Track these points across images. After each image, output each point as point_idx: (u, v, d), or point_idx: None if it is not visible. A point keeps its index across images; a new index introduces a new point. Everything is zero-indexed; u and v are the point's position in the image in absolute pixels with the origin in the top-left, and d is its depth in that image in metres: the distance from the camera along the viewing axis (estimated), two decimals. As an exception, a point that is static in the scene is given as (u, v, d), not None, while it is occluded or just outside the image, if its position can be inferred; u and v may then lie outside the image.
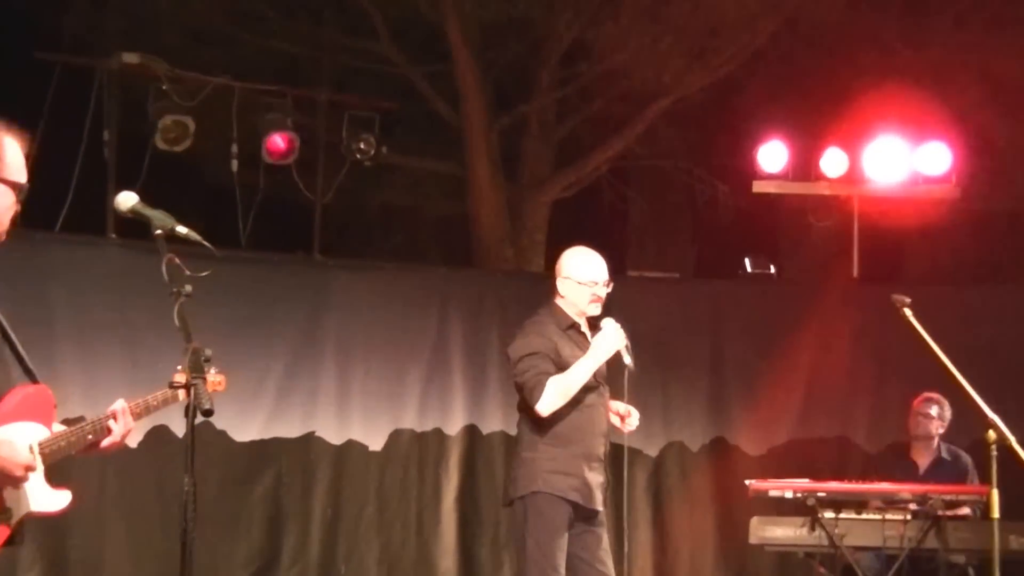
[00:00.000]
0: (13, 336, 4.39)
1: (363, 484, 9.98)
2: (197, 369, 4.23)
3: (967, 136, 11.52)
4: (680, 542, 10.56)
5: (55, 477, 4.41)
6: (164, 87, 10.20)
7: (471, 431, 10.28)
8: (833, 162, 11.20)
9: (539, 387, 6.51)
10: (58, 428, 4.47)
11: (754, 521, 8.50)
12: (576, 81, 12.47)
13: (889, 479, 8.60)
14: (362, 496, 9.98)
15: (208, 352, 4.28)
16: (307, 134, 10.85)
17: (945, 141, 11.27)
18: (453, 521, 10.19)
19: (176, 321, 4.25)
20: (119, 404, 4.57)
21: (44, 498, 4.39)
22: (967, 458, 9.05)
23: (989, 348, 9.97)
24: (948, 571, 8.33)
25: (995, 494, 6.50)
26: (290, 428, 9.83)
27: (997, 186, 12.28)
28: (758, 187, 11.48)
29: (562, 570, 6.57)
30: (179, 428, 8.68)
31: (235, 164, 10.53)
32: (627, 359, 6.62)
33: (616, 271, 7.20)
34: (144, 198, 4.54)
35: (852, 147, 11.20)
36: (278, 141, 10.56)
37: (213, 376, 4.78)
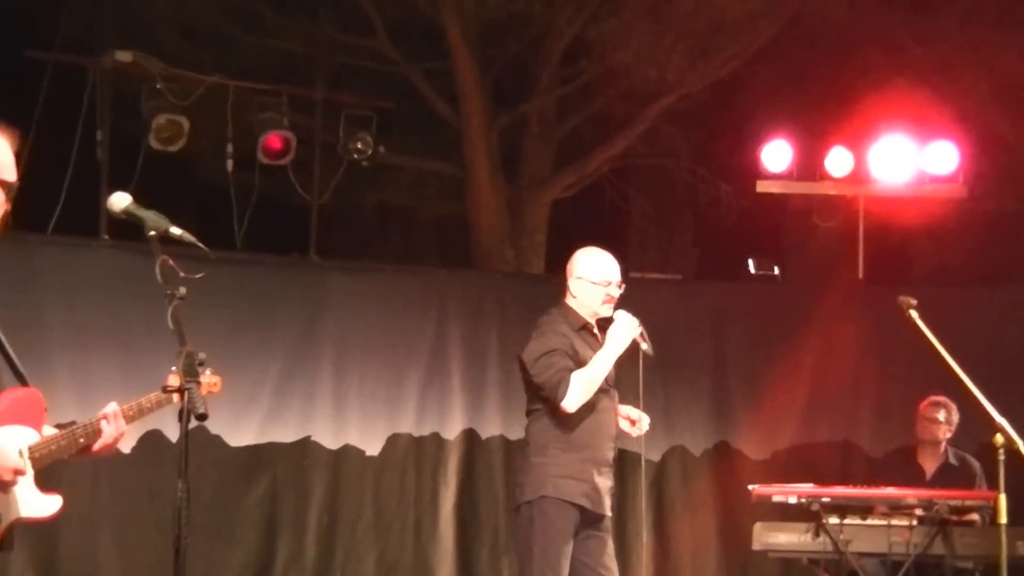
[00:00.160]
0: (3, 339, 4.39)
1: (360, 490, 9.94)
2: (191, 373, 4.24)
3: (975, 134, 11.53)
4: (682, 548, 10.51)
5: (46, 482, 4.42)
6: (158, 86, 10.16)
7: (470, 435, 10.24)
8: (838, 161, 11.18)
9: (564, 383, 6.51)
10: (49, 432, 4.46)
11: (757, 527, 8.50)
12: (577, 79, 12.50)
13: (895, 484, 8.56)
14: (359, 502, 9.93)
15: (202, 355, 4.30)
16: (303, 133, 10.80)
17: (952, 140, 11.26)
18: (451, 527, 10.15)
19: (170, 324, 4.26)
20: (111, 407, 4.57)
21: (34, 503, 4.37)
22: (975, 463, 9.01)
23: (997, 350, 9.95)
24: (954, 578, 8.33)
25: (1003, 499, 6.55)
26: (286, 433, 9.78)
27: (1005, 185, 12.29)
28: (762, 187, 11.48)
29: (566, 576, 6.58)
30: (172, 433, 8.39)
31: (230, 164, 10.51)
32: (644, 345, 6.66)
33: (618, 272, 7.19)
34: (138, 199, 4.54)
35: (857, 146, 11.19)
36: (274, 141, 10.51)
37: (208, 378, 4.82)
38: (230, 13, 11.62)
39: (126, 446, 8.43)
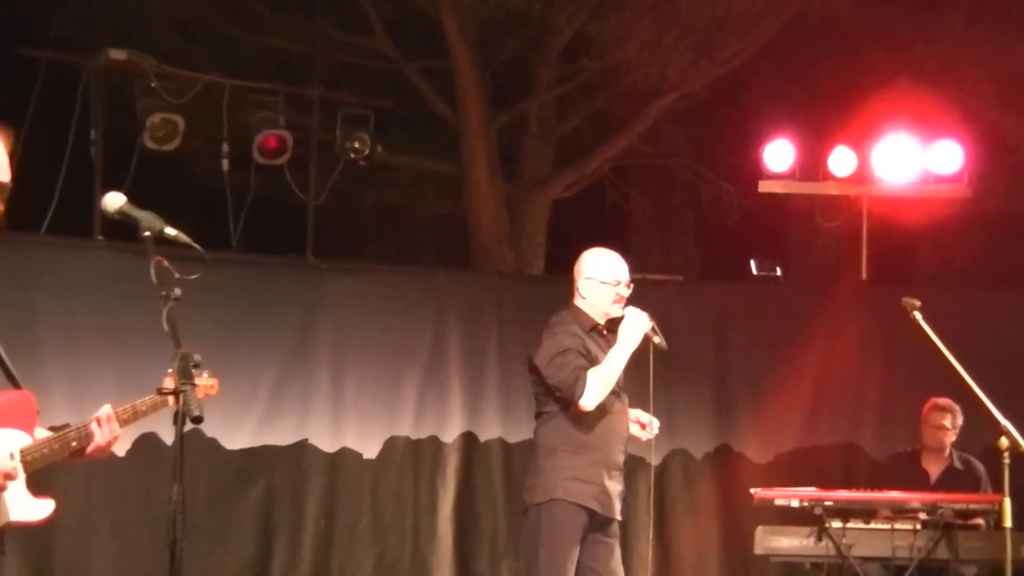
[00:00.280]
0: (-4, 340, 4.44)
1: (357, 493, 9.88)
2: (186, 375, 4.25)
3: (979, 134, 11.53)
4: (683, 552, 10.45)
5: (38, 485, 4.41)
6: (153, 84, 10.15)
7: (468, 438, 10.18)
8: (841, 161, 11.18)
9: (580, 381, 6.51)
10: (41, 434, 4.46)
11: (759, 530, 8.48)
12: (577, 77, 12.53)
13: (898, 487, 8.53)
14: (356, 505, 9.87)
15: (197, 358, 4.30)
16: (300, 133, 10.76)
17: (957, 139, 11.26)
18: (450, 531, 10.09)
19: (165, 325, 4.27)
20: (105, 409, 4.56)
21: (25, 507, 4.37)
22: (980, 466, 9.00)
23: (1002, 352, 9.92)
24: (958, 582, 8.33)
25: (1007, 503, 6.56)
26: (282, 435, 9.72)
27: (1010, 185, 12.29)
28: (764, 187, 11.48)
29: (571, 582, 6.58)
30: (167, 436, 8.60)
31: (226, 163, 10.45)
32: (657, 339, 6.69)
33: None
34: (132, 199, 4.54)
35: (861, 146, 11.19)
36: (270, 140, 10.50)
37: (205, 380, 4.89)
38: (225, 11, 11.64)
39: (121, 449, 8.39)
